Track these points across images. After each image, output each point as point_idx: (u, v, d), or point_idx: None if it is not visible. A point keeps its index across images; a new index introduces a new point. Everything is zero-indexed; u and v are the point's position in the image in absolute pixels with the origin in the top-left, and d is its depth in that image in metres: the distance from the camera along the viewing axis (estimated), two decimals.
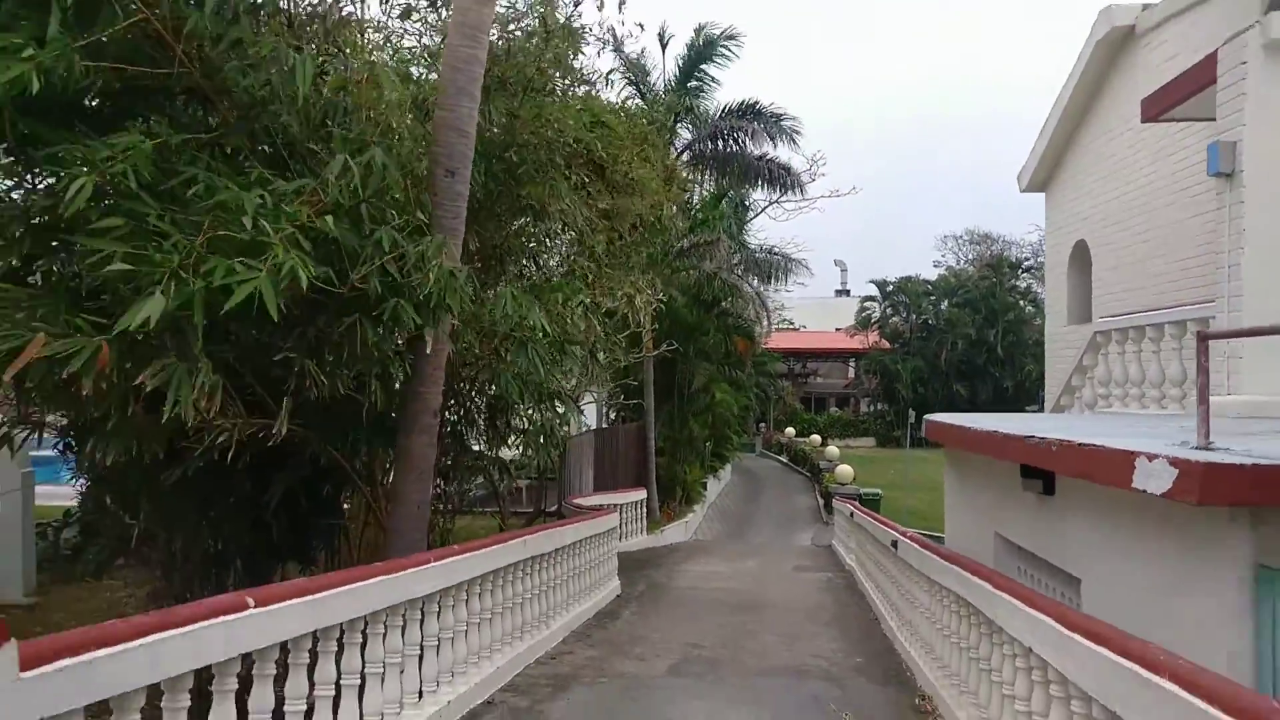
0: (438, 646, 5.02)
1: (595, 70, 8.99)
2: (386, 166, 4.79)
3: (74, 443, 6.44)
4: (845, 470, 20.44)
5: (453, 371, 7.00)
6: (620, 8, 12.28)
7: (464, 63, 6.15)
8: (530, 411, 7.88)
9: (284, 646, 3.50)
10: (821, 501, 23.23)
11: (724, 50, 19.86)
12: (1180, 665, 2.37)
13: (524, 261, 8.06)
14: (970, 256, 50.15)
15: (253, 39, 4.49)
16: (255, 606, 3.21)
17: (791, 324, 47.14)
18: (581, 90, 8.07)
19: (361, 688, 4.14)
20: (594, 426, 18.00)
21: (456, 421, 8.17)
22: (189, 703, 2.91)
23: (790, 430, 41.06)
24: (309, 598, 3.58)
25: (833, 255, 70.26)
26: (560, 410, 8.16)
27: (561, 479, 13.98)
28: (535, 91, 7.06)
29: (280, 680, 3.52)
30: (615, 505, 12.34)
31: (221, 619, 2.97)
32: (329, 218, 4.31)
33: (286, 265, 3.88)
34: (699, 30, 19.59)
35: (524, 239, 7.82)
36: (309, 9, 5.69)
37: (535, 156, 6.96)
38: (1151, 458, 2.89)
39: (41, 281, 4.52)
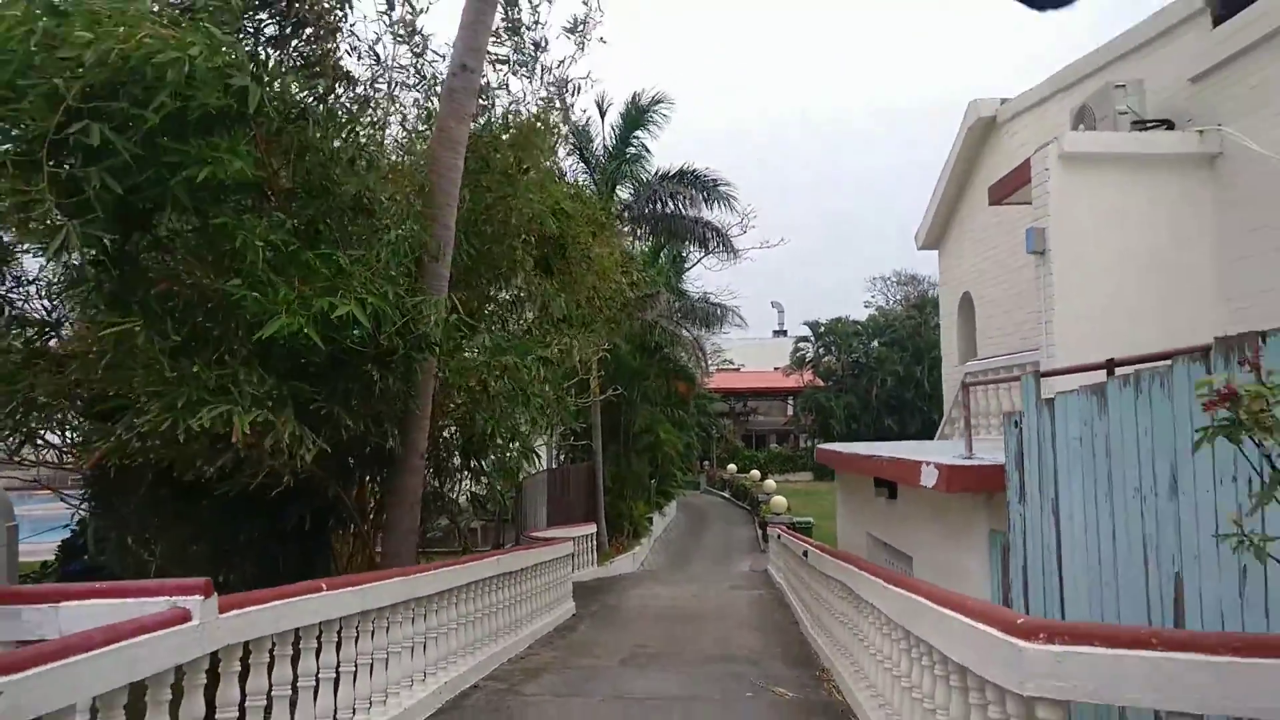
0: (436, 639, 6.34)
1: (554, 163, 10.49)
2: (410, 241, 6.32)
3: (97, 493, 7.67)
4: (779, 501, 22.04)
5: (433, 422, 8.38)
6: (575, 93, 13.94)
7: (447, 169, 7.63)
8: (502, 447, 9.23)
9: (339, 622, 4.82)
10: (760, 532, 24.74)
11: (655, 115, 21.74)
12: (934, 591, 3.89)
13: (494, 324, 9.49)
14: (898, 297, 52.97)
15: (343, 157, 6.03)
16: (326, 590, 4.56)
17: (731, 364, 49.04)
18: (543, 177, 9.53)
19: (385, 662, 5.45)
20: (546, 467, 19.28)
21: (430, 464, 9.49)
22: (315, 645, 4.29)
23: (732, 467, 42.75)
24: (357, 587, 4.93)
25: (772, 296, 72.85)
26: (525, 447, 9.52)
27: (517, 516, 15.25)
28: (506, 180, 8.58)
29: (339, 647, 4.84)
30: (569, 537, 13.65)
31: (314, 595, 4.32)
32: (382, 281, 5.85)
33: (356, 304, 5.39)
34: (633, 99, 21.45)
35: (494, 304, 9.29)
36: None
37: (503, 235, 8.48)
38: (928, 464, 4.45)
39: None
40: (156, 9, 5.52)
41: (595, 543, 16.84)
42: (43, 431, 8.65)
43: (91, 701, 2.93)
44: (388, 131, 8.63)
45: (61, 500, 10.08)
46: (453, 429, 9.11)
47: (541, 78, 11.05)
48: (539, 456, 14.82)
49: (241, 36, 6.60)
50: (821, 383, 45.80)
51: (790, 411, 53.85)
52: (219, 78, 5.10)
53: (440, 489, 9.94)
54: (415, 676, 6.03)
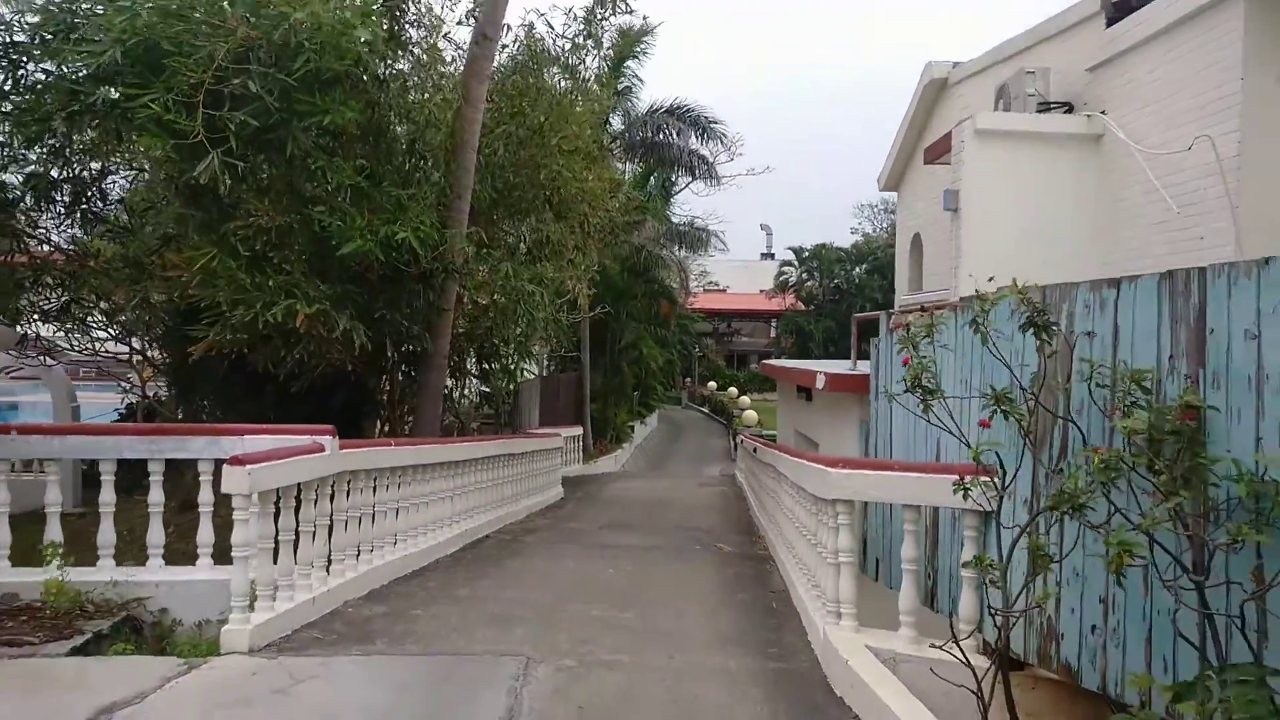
0: (461, 495, 8.29)
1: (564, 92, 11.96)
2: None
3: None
4: (750, 415, 24.15)
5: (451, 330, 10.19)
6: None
7: (469, 122, 9.20)
8: (505, 353, 11.07)
9: (400, 470, 6.73)
10: (732, 443, 26.99)
11: (644, 47, 22.96)
12: (805, 454, 5.81)
13: (503, 251, 11.19)
14: (885, 225, 54.43)
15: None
16: (394, 445, 6.45)
17: (717, 285, 50.74)
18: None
19: (428, 505, 7.40)
20: (539, 376, 21.20)
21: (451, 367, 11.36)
22: (386, 483, 6.21)
23: (712, 384, 44.95)
24: (413, 446, 6.83)
25: (766, 218, 74.07)
26: (524, 351, 11.37)
27: (514, 418, 17.22)
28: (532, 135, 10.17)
29: (399, 487, 6.77)
30: (558, 434, 15.66)
31: (387, 448, 6.21)
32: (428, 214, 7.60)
33: (411, 232, 7.13)
34: (623, 31, 22.60)
35: (509, 235, 10.98)
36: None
37: (520, 180, 10.16)
38: (820, 374, 6.30)
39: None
40: None
41: (581, 444, 18.89)
42: (138, 329, 10.47)
43: (276, 493, 4.82)
44: (429, 87, 10.07)
45: (120, 388, 11.97)
46: (467, 335, 10.93)
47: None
48: (534, 362, 16.76)
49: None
50: (803, 306, 47.67)
51: (772, 334, 55.87)
52: (340, 35, 6.63)
53: (452, 391, 11.83)
54: (446, 521, 7.99)
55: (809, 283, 48.05)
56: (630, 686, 4.24)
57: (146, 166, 9.54)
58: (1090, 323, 3.58)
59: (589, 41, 13.23)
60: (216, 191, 6.83)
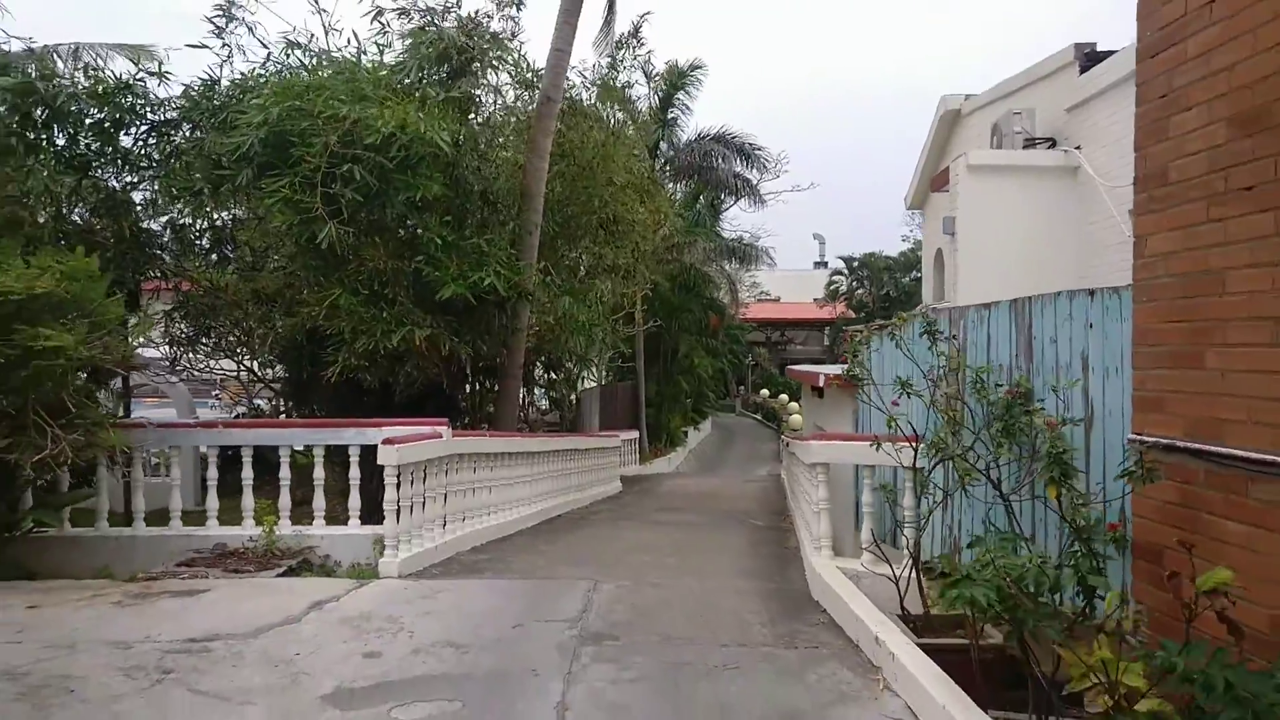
0: (538, 480, 10.11)
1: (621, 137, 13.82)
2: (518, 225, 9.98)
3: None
4: (796, 419, 25.53)
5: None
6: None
7: (536, 170, 11.07)
8: (568, 365, 12.91)
9: (493, 456, 8.57)
10: (781, 446, 28.48)
11: (692, 79, 24.76)
12: (806, 435, 7.45)
13: (566, 275, 13.06)
14: None
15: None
16: (489, 435, 8.30)
17: (769, 295, 52.07)
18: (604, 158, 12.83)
19: (513, 486, 9.23)
20: (599, 384, 23.07)
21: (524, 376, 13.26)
22: (489, 464, 8.06)
23: (764, 391, 46.28)
24: (503, 437, 8.67)
25: (821, 228, 75.06)
26: (584, 361, 13.20)
27: (577, 422, 19.09)
28: (586, 173, 12.01)
29: (492, 469, 8.61)
30: (616, 436, 17.48)
31: (485, 436, 8.06)
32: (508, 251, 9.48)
33: (494, 275, 8.98)
34: (671, 67, 24.47)
35: (568, 261, 12.84)
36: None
37: (580, 214, 12.01)
38: (821, 375, 7.94)
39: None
40: (384, 82, 9.09)
41: (637, 447, 20.65)
42: (261, 352, 12.55)
43: (397, 474, 6.66)
44: (500, 142, 12.00)
45: (239, 402, 14.20)
46: (535, 350, 12.82)
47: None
48: (594, 372, 18.63)
49: (424, 81, 10.06)
50: (854, 314, 48.73)
51: (825, 341, 56.93)
52: (425, 138, 8.56)
53: (523, 398, 13.73)
54: (526, 500, 9.82)
55: (859, 291, 49.06)
56: (668, 596, 5.97)
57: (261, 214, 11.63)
58: (975, 332, 5.20)
59: (635, 85, 15.07)
60: (339, 252, 8.81)
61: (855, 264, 48.96)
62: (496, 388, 11.65)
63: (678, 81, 24.51)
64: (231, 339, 12.36)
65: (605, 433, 18.39)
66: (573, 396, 17.51)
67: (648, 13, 22.65)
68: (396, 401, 10.22)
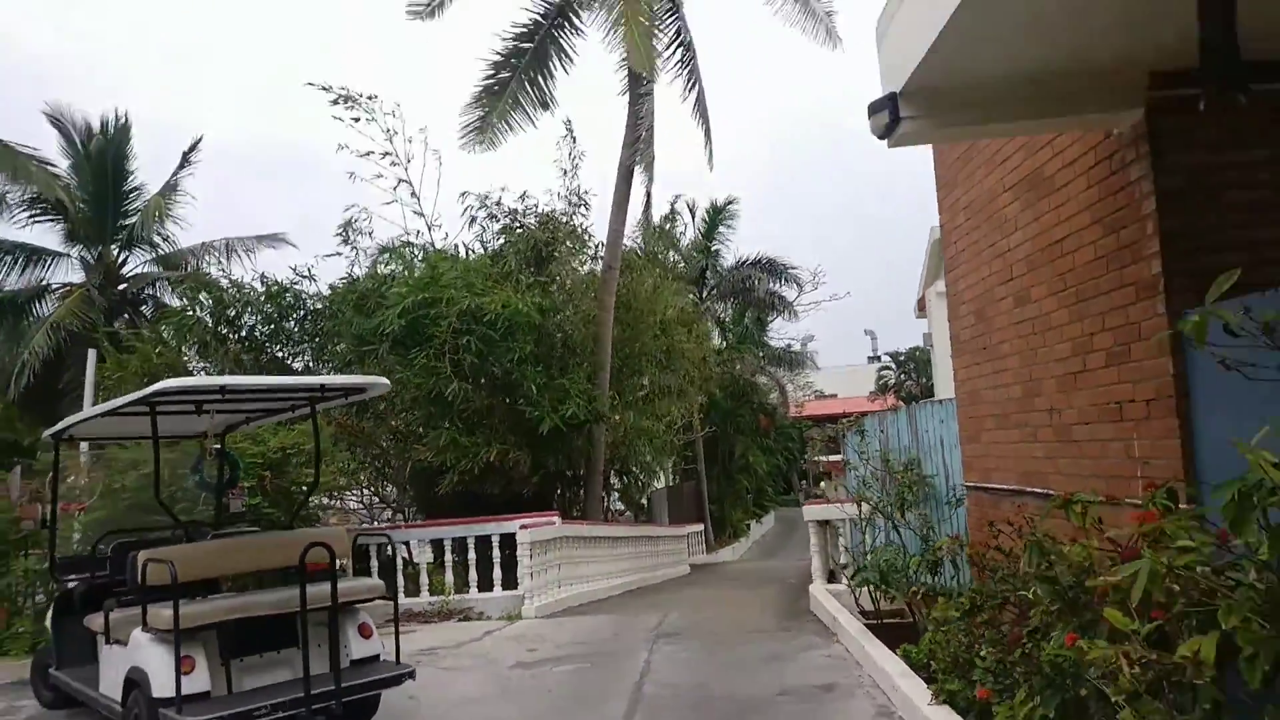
0: (620, 560, 13.13)
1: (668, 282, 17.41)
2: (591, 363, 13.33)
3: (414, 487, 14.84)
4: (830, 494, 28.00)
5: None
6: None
7: (603, 323, 14.57)
8: (637, 471, 16.07)
9: (588, 540, 11.68)
10: None
11: (730, 212, 28.65)
12: (811, 500, 10.41)
13: (632, 397, 16.37)
14: None
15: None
16: (586, 523, 11.45)
17: (822, 394, 54.65)
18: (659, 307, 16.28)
19: (604, 562, 12.26)
20: (666, 485, 26.07)
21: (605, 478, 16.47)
22: (587, 547, 11.20)
23: (823, 484, 48.28)
24: (595, 525, 11.81)
25: (871, 323, 77.80)
26: (649, 471, 16.35)
27: (649, 518, 22.06)
28: (639, 318, 15.46)
29: (588, 548, 11.71)
30: (684, 529, 20.38)
31: (584, 524, 11.21)
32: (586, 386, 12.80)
33: (576, 407, 12.28)
34: (713, 204, 28.45)
35: (633, 386, 16.18)
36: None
37: (639, 351, 15.41)
38: (826, 460, 10.90)
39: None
40: (487, 272, 12.74)
41: (703, 539, 23.39)
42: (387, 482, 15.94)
43: (529, 548, 9.81)
44: (575, 302, 15.60)
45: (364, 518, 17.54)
46: (615, 458, 16.04)
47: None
48: (662, 475, 21.70)
49: (517, 268, 13.70)
50: (903, 404, 51.02)
51: None
52: (522, 313, 12.09)
53: (603, 500, 16.91)
54: (612, 574, 12.82)
55: (908, 383, 51.43)
56: (714, 617, 8.93)
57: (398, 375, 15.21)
58: (892, 429, 8.25)
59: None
60: (452, 400, 12.17)
61: (901, 358, 51.56)
62: (583, 491, 14.85)
63: (716, 218, 28.46)
64: (375, 468, 15.87)
65: (673, 527, 21.31)
66: (644, 499, 20.55)
67: (678, 195, 26.59)
68: (499, 508, 13.43)
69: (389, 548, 9.64)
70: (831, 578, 9.35)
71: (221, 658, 4.88)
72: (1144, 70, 4.00)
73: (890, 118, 4.03)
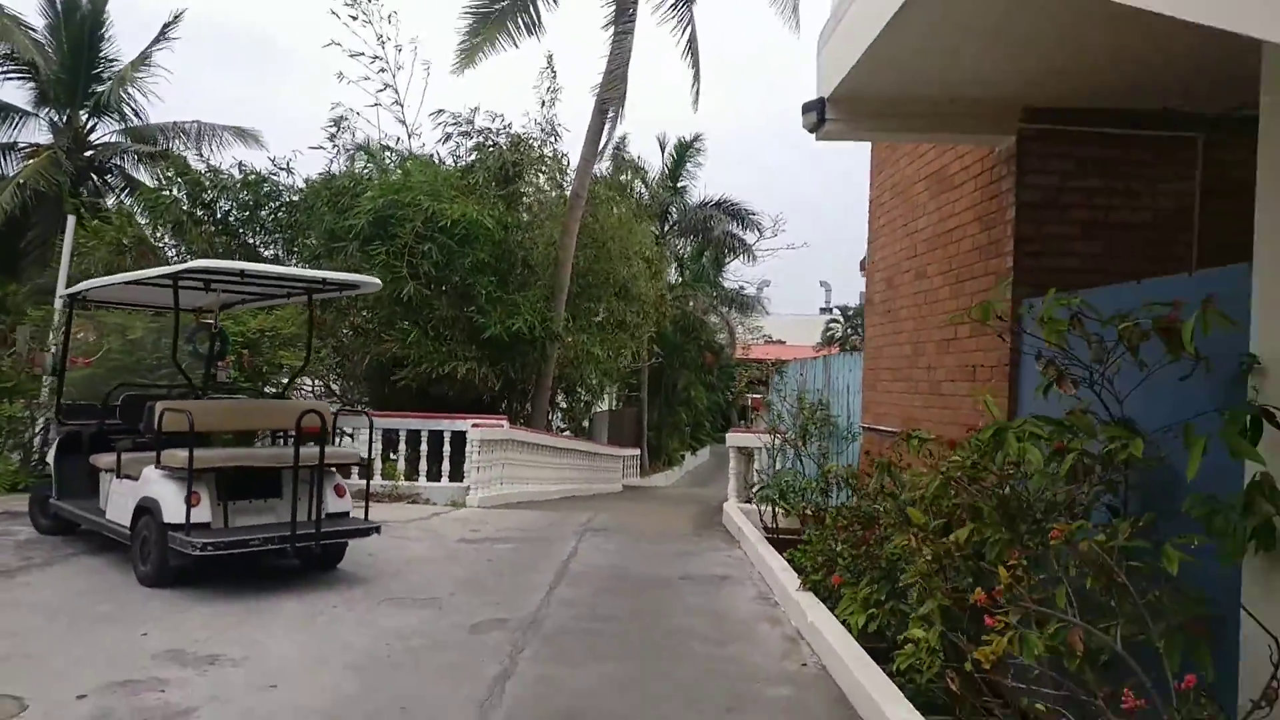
0: (559, 469, 14.26)
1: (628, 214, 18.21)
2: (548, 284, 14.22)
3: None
4: None
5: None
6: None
7: (566, 249, 15.38)
8: (583, 392, 17.14)
9: (533, 446, 12.76)
10: None
11: (696, 149, 29.34)
12: (734, 429, 11.61)
13: (587, 323, 17.30)
14: None
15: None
16: (530, 430, 12.51)
17: (770, 339, 56.24)
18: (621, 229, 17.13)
19: (543, 468, 13.38)
20: (609, 409, 27.26)
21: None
22: (529, 452, 12.29)
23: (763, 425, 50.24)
24: (540, 433, 12.88)
25: (829, 274, 79.31)
26: (593, 393, 17.43)
27: (589, 438, 23.26)
28: (602, 249, 16.30)
29: (532, 454, 12.81)
30: (620, 450, 21.64)
31: (530, 431, 12.26)
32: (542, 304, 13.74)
33: (524, 322, 13.22)
34: (680, 141, 29.10)
35: (589, 313, 17.10)
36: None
37: (597, 279, 16.30)
38: (753, 398, 12.03)
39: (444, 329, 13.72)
40: (455, 183, 13.41)
41: (638, 463, 24.74)
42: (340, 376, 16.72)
43: (478, 445, 10.84)
44: (540, 223, 16.33)
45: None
46: (558, 378, 17.06)
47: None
48: (605, 400, 22.84)
49: (485, 182, 14.36)
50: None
51: None
52: (479, 224, 12.84)
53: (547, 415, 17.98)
54: (550, 480, 13.96)
55: (853, 337, 53.20)
56: (639, 521, 10.12)
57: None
58: (810, 374, 9.38)
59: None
60: (414, 303, 13.00)
61: (850, 312, 53.24)
62: (529, 405, 15.88)
63: (683, 155, 29.10)
64: (331, 361, 16.63)
65: (613, 446, 22.57)
66: (586, 420, 21.70)
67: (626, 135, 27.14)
68: (453, 408, 14.42)
69: (349, 430, 10.53)
70: (748, 501, 10.57)
71: (219, 498, 5.84)
72: (1020, 105, 5.00)
73: (818, 118, 4.97)
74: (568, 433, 22.91)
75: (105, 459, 6.39)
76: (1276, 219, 2.83)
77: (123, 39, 33.01)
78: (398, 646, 4.74)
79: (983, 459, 3.67)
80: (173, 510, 5.49)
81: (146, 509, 5.69)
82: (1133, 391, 3.35)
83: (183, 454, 5.45)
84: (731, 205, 28.92)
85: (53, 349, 7.79)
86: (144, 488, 5.77)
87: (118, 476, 6.14)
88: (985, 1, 3.67)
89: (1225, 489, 2.84)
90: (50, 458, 7.19)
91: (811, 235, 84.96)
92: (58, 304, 10.78)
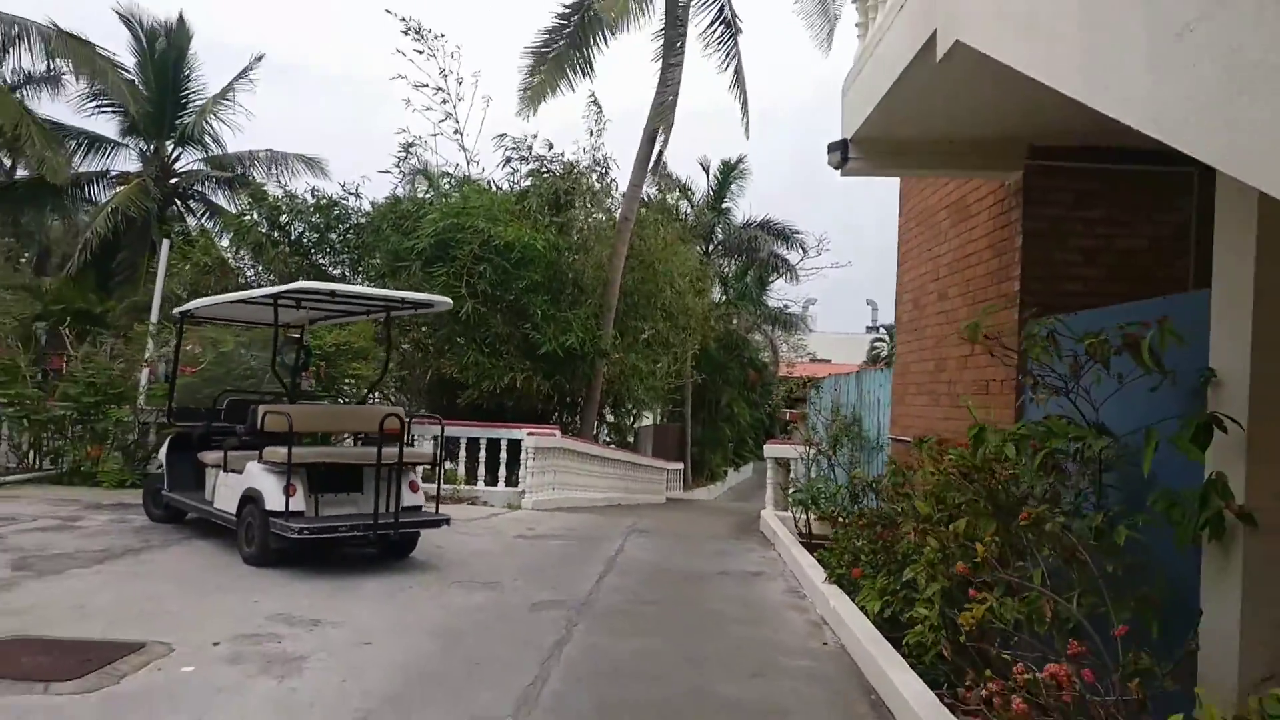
0: (604, 478, 14.95)
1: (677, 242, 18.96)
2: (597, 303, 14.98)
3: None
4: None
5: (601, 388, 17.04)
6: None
7: (615, 268, 16.15)
8: (630, 405, 17.85)
9: (581, 455, 13.48)
10: None
11: (740, 172, 30.03)
12: (771, 440, 12.18)
13: (634, 340, 18.03)
14: None
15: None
16: (582, 440, 13.23)
17: (815, 357, 56.44)
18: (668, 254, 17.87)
19: (590, 476, 14.08)
20: (654, 424, 27.92)
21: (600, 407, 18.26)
22: (580, 460, 13.03)
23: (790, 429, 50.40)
24: (586, 443, 13.60)
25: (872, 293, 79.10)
26: (639, 407, 18.13)
27: (634, 450, 23.94)
28: (649, 271, 17.06)
29: (581, 463, 13.53)
30: (665, 463, 22.25)
31: (579, 441, 12.99)
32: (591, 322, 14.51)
33: (576, 338, 13.98)
34: (724, 163, 29.84)
35: (636, 329, 17.83)
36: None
37: (645, 301, 17.03)
38: (789, 413, 12.56)
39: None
40: (511, 209, 14.29)
41: (682, 477, 25.32)
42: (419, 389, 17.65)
43: (532, 452, 11.59)
44: (590, 245, 17.15)
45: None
46: (606, 393, 17.80)
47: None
48: (651, 413, 23.52)
49: (540, 208, 15.23)
50: None
51: None
52: (533, 247, 13.66)
53: (595, 428, 18.72)
54: (597, 489, 14.64)
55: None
56: (681, 526, 10.76)
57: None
58: (843, 389, 9.94)
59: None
60: (471, 320, 13.85)
61: (894, 330, 53.22)
62: (579, 418, 16.64)
63: (728, 176, 29.83)
64: (395, 375, 17.60)
65: (658, 459, 23.19)
66: (631, 434, 22.38)
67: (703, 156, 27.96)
68: (508, 420, 15.22)
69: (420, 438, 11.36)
70: (785, 509, 11.13)
71: (311, 491, 6.64)
72: (1026, 143, 5.58)
73: (842, 157, 5.62)
74: (613, 445, 23.68)
75: (212, 455, 7.25)
76: (1230, 254, 3.38)
77: (208, 69, 34.99)
78: (468, 619, 5.45)
79: (972, 455, 4.26)
80: (274, 499, 6.30)
81: (251, 498, 6.51)
82: (1109, 401, 3.91)
83: (282, 450, 6.26)
84: (775, 225, 29.53)
85: (164, 361, 8.74)
86: (248, 480, 6.60)
87: (224, 470, 6.99)
88: (972, 75, 4.29)
89: (1194, 485, 3.36)
90: (162, 454, 8.10)
91: (857, 255, 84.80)
92: (153, 319, 11.90)
